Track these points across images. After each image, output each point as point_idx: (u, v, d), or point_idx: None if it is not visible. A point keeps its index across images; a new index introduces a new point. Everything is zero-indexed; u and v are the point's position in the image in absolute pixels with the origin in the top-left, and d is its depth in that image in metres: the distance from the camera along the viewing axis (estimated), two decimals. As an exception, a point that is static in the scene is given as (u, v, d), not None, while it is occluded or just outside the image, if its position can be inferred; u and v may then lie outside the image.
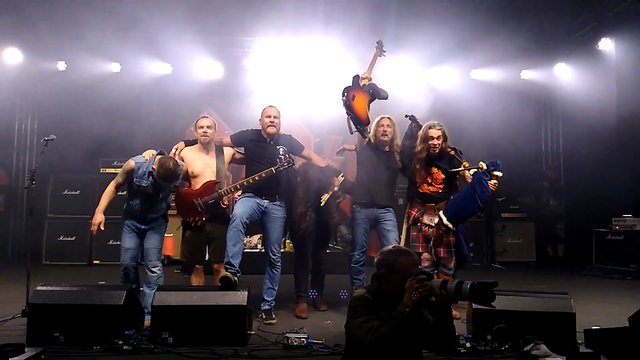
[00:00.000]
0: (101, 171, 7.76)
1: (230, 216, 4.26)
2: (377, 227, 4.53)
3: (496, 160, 4.29)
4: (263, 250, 4.57)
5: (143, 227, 4.17)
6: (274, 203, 4.40)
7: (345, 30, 7.11)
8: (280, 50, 7.91)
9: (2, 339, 3.39)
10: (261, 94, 7.57)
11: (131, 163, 4.10)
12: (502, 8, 7.36)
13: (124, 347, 3.35)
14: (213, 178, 4.33)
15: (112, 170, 7.47)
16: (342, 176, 4.62)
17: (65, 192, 7.65)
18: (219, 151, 4.46)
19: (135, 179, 4.08)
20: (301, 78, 8.00)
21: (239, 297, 3.66)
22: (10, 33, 7.46)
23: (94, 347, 3.40)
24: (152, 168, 4.01)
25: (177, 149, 4.40)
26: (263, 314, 4.27)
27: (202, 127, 4.35)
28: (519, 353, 3.08)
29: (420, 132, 4.47)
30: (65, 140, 5.90)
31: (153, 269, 4.12)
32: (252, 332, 3.83)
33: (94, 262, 7.44)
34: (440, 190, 4.49)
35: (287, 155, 4.32)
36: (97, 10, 7.05)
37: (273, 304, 4.36)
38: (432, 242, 4.43)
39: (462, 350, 3.35)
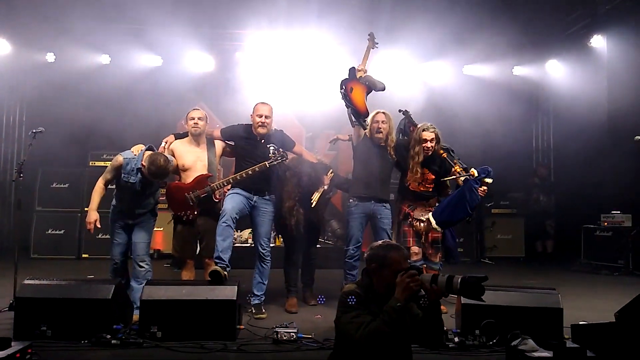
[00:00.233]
0: (90, 164, 7.70)
1: (220, 212, 4.24)
2: (372, 222, 4.54)
3: (487, 167, 4.31)
4: (253, 245, 4.56)
5: (131, 222, 4.14)
6: (263, 198, 4.39)
7: (338, 24, 7.09)
8: (273, 43, 7.88)
9: (-11, 333, 3.35)
10: (253, 88, 7.54)
11: (119, 159, 4.05)
12: (495, 4, 7.37)
13: (112, 342, 3.34)
14: (204, 172, 4.29)
15: (101, 164, 7.42)
16: (331, 172, 4.62)
17: (54, 185, 7.57)
18: (210, 144, 4.42)
19: (123, 175, 4.03)
20: (294, 71, 7.97)
21: (229, 292, 3.65)
22: (-2, 23, 7.36)
23: (82, 342, 3.38)
24: (142, 164, 3.95)
25: (167, 142, 4.36)
26: (253, 308, 4.26)
27: (193, 119, 4.30)
28: (506, 348, 3.10)
29: (414, 135, 4.47)
30: (54, 132, 5.83)
31: (141, 264, 4.10)
32: (242, 327, 3.83)
33: (83, 255, 7.39)
34: (431, 189, 4.53)
35: (279, 150, 4.29)
36: (87, 1, 6.96)
37: (263, 299, 4.35)
38: (423, 236, 4.45)
39: (450, 345, 3.37)
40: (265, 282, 4.38)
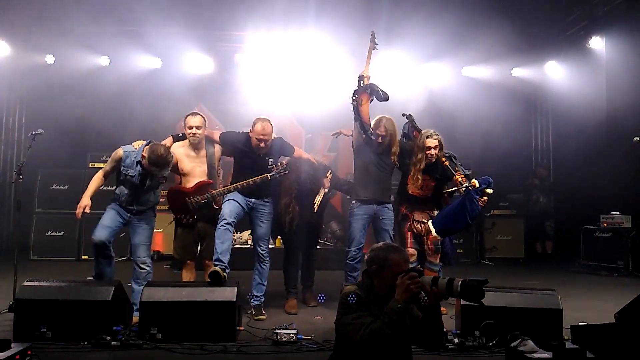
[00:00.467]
0: (89, 165, 7.68)
1: (219, 216, 4.24)
2: (374, 224, 4.53)
3: (488, 178, 4.30)
4: (252, 246, 4.56)
5: (129, 215, 4.10)
6: (262, 199, 4.39)
7: (337, 25, 7.09)
8: (272, 45, 7.88)
9: (-12, 334, 3.35)
10: (252, 89, 7.55)
11: (119, 151, 4.06)
12: (494, 6, 7.39)
13: (112, 343, 3.34)
14: (204, 177, 4.29)
15: (101, 165, 7.33)
16: (330, 173, 4.61)
17: (54, 186, 7.57)
18: (210, 145, 4.38)
19: (122, 168, 4.03)
20: (293, 73, 7.97)
21: (228, 293, 3.65)
22: (-3, 25, 7.37)
23: (82, 343, 3.38)
24: (142, 156, 3.93)
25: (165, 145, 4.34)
26: (252, 309, 4.26)
27: (192, 128, 4.24)
28: (506, 349, 3.10)
29: (418, 141, 4.47)
30: (54, 134, 5.82)
31: (142, 265, 4.09)
32: (242, 328, 3.83)
33: (83, 257, 7.37)
34: (430, 195, 4.53)
35: (281, 163, 4.30)
36: (86, 3, 6.97)
37: (262, 300, 4.35)
38: (424, 237, 4.46)
39: (450, 346, 3.38)
40: (265, 283, 4.38)
